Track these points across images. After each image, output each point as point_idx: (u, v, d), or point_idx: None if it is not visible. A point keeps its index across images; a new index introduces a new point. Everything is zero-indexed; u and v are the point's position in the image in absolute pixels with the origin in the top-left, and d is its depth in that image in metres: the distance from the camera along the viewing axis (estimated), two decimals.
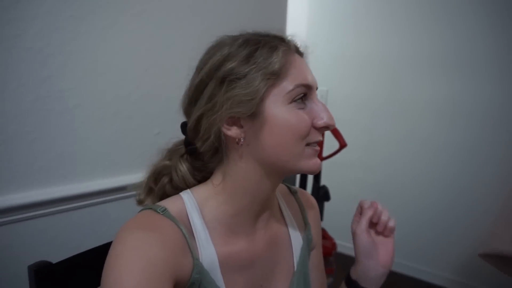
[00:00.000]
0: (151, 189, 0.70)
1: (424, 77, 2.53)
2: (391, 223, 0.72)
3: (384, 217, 0.72)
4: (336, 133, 1.97)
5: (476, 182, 2.39)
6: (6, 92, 1.00)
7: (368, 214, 0.72)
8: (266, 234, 0.71)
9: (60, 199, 1.12)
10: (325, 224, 1.85)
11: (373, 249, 0.72)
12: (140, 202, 0.71)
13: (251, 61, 0.60)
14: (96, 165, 1.21)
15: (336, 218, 2.42)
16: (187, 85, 0.67)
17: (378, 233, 0.74)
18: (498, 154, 2.31)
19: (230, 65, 0.60)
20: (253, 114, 0.60)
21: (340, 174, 2.77)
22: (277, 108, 0.60)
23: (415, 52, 2.54)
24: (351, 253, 0.76)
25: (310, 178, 2.24)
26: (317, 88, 0.66)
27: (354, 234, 0.73)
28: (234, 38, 0.64)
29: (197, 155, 0.68)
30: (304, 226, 0.80)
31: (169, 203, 0.64)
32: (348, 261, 1.10)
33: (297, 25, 2.83)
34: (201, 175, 0.70)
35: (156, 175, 0.70)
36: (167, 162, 0.70)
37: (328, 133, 1.80)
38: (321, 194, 2.07)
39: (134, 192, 0.73)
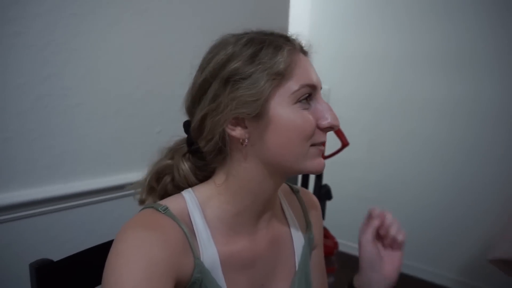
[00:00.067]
0: (152, 188, 0.70)
1: (425, 76, 2.53)
2: (400, 237, 0.67)
3: (392, 231, 0.67)
4: (339, 132, 1.96)
5: (477, 181, 2.38)
6: (8, 91, 1.00)
7: (374, 224, 0.68)
8: (268, 234, 0.70)
9: (61, 197, 1.12)
10: (327, 223, 1.84)
11: (378, 262, 0.68)
12: (141, 202, 0.70)
13: (256, 61, 0.59)
14: (98, 163, 1.21)
15: (338, 217, 2.42)
16: (189, 83, 0.66)
17: (385, 245, 0.70)
18: (499, 152, 2.31)
19: (234, 65, 0.59)
20: (258, 115, 0.60)
21: (342, 172, 2.77)
22: (282, 108, 0.60)
23: (417, 51, 2.53)
24: (353, 252, 0.75)
25: (312, 177, 2.24)
26: (321, 88, 0.65)
27: (359, 244, 0.69)
28: (238, 37, 0.63)
29: (200, 154, 0.67)
30: (306, 225, 0.80)
31: (171, 202, 0.63)
32: (350, 261, 1.09)
33: (299, 24, 2.83)
34: (203, 174, 0.69)
35: (158, 175, 0.70)
36: (169, 161, 0.70)
37: (330, 132, 1.79)
38: (323, 193, 2.07)
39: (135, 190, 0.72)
